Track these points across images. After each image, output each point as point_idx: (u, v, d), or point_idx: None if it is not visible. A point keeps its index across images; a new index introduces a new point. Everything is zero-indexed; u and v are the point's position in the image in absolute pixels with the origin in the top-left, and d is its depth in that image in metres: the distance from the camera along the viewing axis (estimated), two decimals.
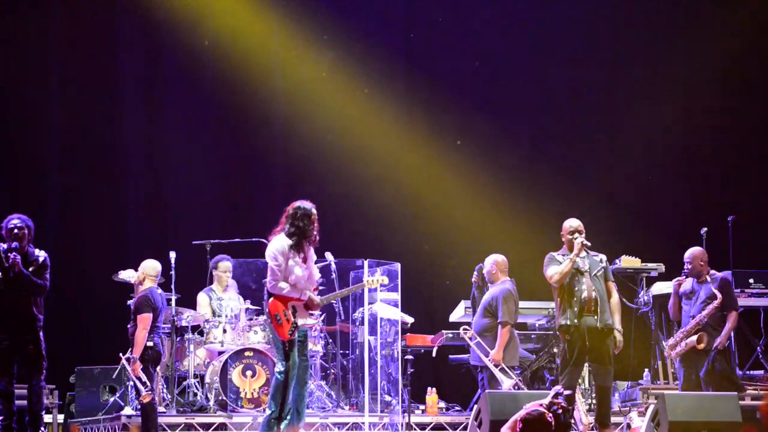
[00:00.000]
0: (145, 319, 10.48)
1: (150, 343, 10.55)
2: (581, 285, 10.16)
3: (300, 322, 9.53)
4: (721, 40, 15.26)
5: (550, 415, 6.58)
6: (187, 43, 14.80)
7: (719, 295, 10.86)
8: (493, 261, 11.43)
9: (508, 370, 10.94)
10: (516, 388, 10.84)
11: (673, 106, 15.52)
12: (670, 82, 15.49)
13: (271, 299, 9.51)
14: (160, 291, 10.84)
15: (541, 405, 6.65)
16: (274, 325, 9.49)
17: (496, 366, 10.95)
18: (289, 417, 9.47)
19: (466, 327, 11.34)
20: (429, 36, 15.64)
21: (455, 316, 13.11)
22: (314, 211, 9.61)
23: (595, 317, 10.15)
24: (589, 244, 10.21)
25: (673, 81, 15.47)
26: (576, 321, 10.15)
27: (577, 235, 10.24)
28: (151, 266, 10.81)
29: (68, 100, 14.47)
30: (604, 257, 10.38)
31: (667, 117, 15.53)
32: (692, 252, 11.16)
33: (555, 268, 10.21)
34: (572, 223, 10.38)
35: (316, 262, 9.95)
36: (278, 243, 9.55)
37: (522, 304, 11.73)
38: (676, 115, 15.53)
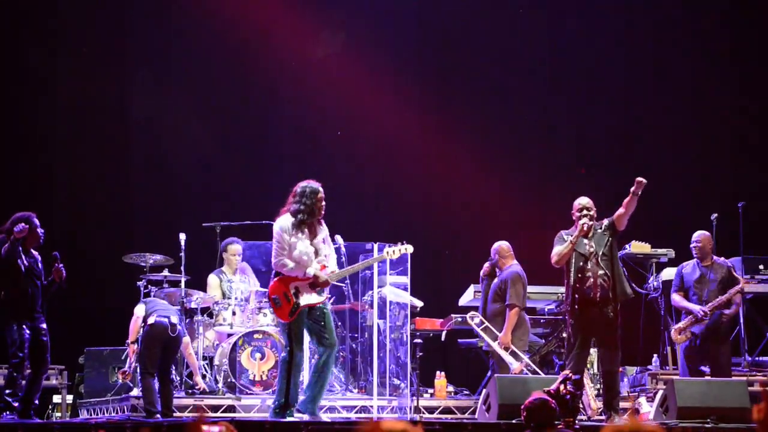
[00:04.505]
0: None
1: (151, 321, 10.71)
2: (586, 271, 10.12)
3: (303, 302, 9.42)
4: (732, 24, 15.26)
5: (554, 402, 6.59)
6: (196, 22, 14.79)
7: (742, 279, 11.13)
8: (496, 249, 11.38)
9: (519, 353, 10.91)
10: (528, 369, 10.82)
11: (684, 89, 15.48)
12: (680, 66, 15.46)
13: (273, 281, 9.47)
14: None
15: (550, 391, 6.66)
16: (273, 308, 9.51)
17: (506, 349, 10.92)
18: (298, 404, 9.40)
19: (474, 313, 11.30)
20: (441, 16, 15.58)
21: (464, 300, 13.07)
22: (321, 189, 9.60)
23: (601, 303, 10.12)
24: (590, 224, 10.15)
25: (685, 64, 15.45)
26: (581, 306, 10.13)
27: (585, 212, 10.20)
28: None
29: (74, 79, 14.45)
30: (606, 221, 10.26)
31: (678, 101, 15.49)
32: (703, 233, 11.21)
33: (556, 249, 10.19)
34: (581, 201, 10.33)
35: None
36: (282, 221, 9.52)
37: (531, 288, 11.70)
38: (687, 98, 15.49)
